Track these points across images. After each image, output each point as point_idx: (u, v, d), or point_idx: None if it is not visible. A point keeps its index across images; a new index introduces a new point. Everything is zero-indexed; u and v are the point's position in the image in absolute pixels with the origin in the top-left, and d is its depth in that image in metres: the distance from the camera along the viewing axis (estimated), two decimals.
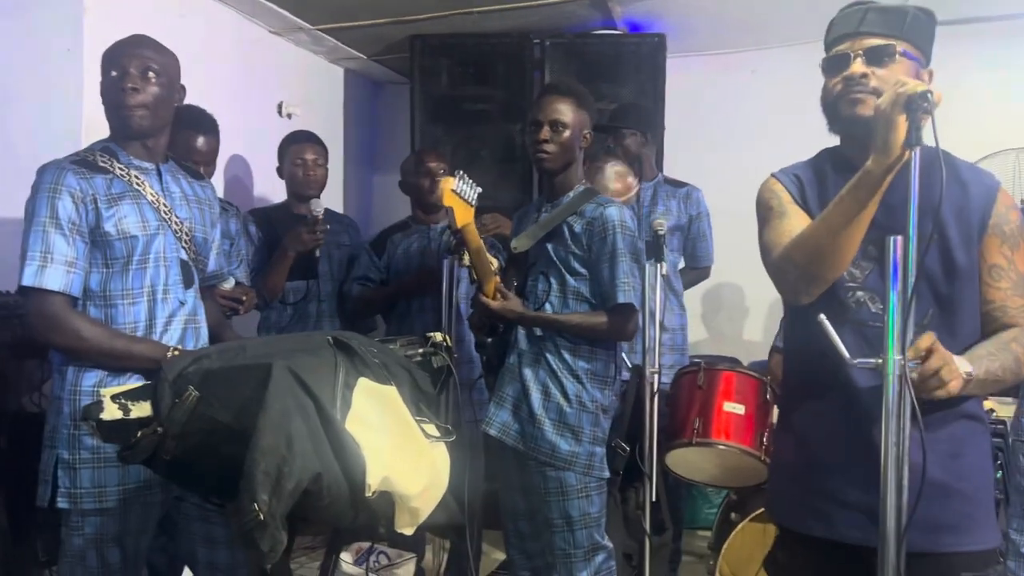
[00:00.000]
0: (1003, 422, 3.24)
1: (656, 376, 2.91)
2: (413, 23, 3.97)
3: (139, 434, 1.52)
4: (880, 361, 1.38)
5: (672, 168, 4.04)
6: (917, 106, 1.39)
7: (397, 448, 1.66)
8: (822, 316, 1.48)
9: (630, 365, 2.99)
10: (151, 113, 2.05)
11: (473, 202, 2.42)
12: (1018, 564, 2.86)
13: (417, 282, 3.22)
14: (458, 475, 1.86)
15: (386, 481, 1.61)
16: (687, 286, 3.74)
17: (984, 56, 4.32)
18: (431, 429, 1.80)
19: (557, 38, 4.10)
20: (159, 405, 1.52)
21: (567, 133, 2.50)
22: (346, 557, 3.02)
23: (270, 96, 4.10)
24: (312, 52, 4.45)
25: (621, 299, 2.43)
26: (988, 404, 3.39)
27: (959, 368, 1.48)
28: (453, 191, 2.32)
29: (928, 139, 1.43)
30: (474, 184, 2.41)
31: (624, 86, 4.10)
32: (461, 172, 2.38)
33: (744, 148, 4.41)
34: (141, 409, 1.53)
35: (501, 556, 3.58)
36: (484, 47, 4.14)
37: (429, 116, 4.16)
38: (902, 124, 1.41)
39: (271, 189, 3.73)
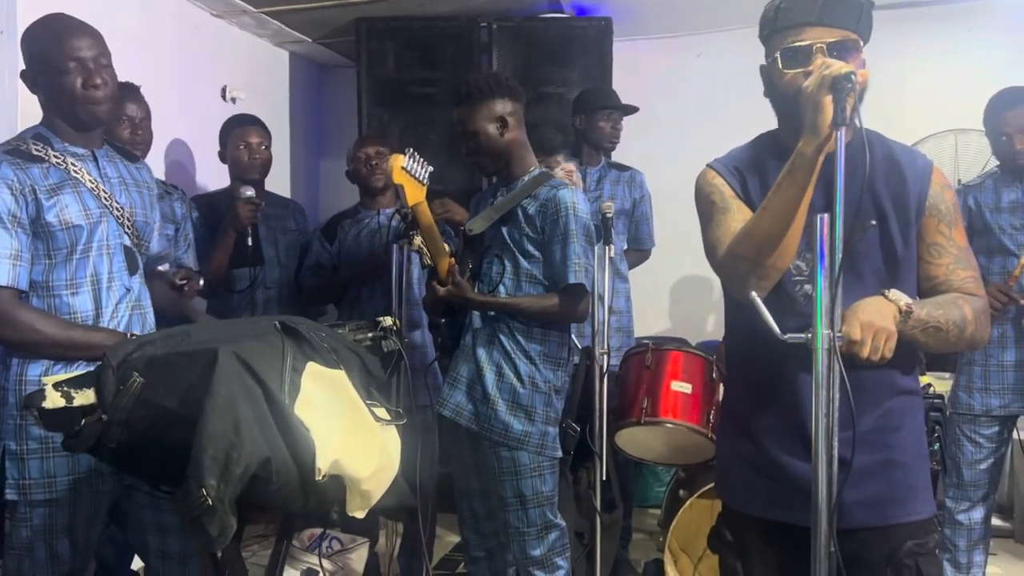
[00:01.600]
0: (941, 396, 3.34)
1: (605, 357, 2.95)
2: (358, 6, 3.94)
3: (83, 422, 1.50)
4: (808, 335, 1.41)
5: (619, 151, 4.06)
6: (842, 87, 1.41)
7: (347, 432, 1.66)
8: (753, 293, 1.51)
9: (580, 347, 3.03)
10: (112, 105, 2.06)
11: (424, 180, 2.41)
12: (954, 531, 2.97)
13: (366, 270, 3.21)
14: (410, 458, 1.87)
15: (336, 465, 1.61)
16: (629, 268, 3.78)
17: (929, 39, 4.43)
18: (382, 412, 1.80)
19: (505, 21, 4.09)
20: (103, 392, 1.50)
21: (479, 137, 2.50)
22: (298, 543, 3.01)
23: (213, 80, 4.03)
24: (256, 35, 4.39)
25: (572, 280, 2.45)
26: (926, 379, 3.50)
27: (901, 299, 1.53)
28: (403, 168, 2.31)
29: (860, 119, 1.45)
30: (424, 163, 2.40)
31: (572, 69, 4.12)
32: (411, 150, 2.37)
33: (690, 131, 4.47)
34: (84, 397, 1.51)
35: (456, 539, 3.60)
36: (431, 30, 4.12)
37: (376, 100, 4.13)
38: (828, 105, 1.43)
39: (216, 175, 3.68)
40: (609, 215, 3.03)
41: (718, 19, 4.42)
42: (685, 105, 4.70)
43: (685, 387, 3.08)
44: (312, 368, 1.65)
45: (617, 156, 3.96)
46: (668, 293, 4.97)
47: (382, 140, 3.47)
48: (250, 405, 1.50)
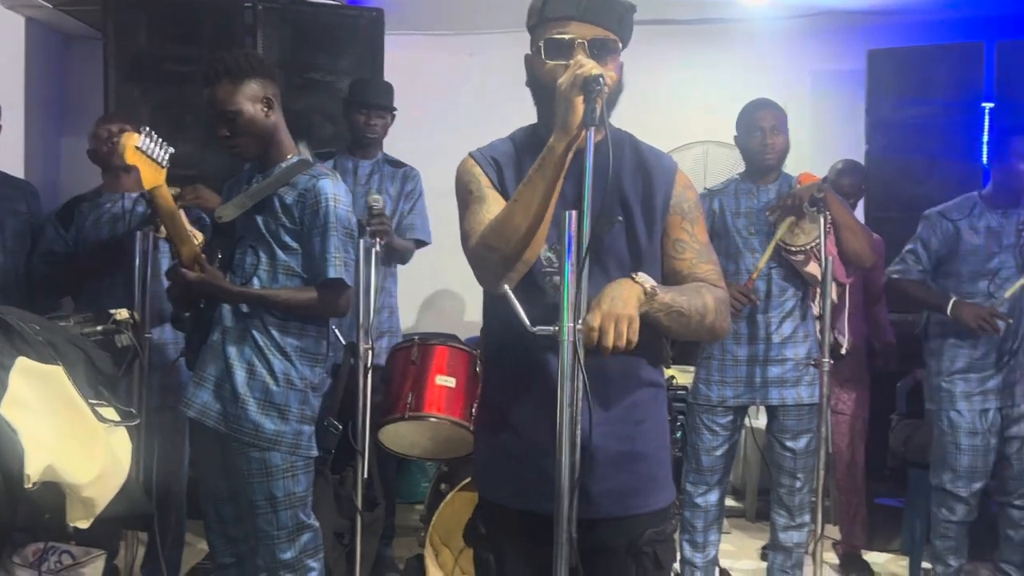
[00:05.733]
0: (685, 388, 3.59)
1: (370, 353, 2.90)
2: None
3: None
4: (556, 327, 1.44)
5: (391, 146, 4.03)
6: (592, 88, 1.45)
7: (64, 434, 1.51)
8: (505, 286, 1.52)
9: (344, 342, 2.95)
10: None
11: (164, 162, 2.24)
12: (692, 513, 3.19)
13: (104, 256, 2.96)
14: (148, 461, 1.73)
15: (50, 470, 1.46)
16: (403, 262, 3.74)
17: (682, 55, 4.76)
18: (109, 413, 1.66)
19: (271, 3, 3.93)
20: None
21: (241, 117, 2.37)
22: (20, 560, 2.71)
23: None
24: None
25: (331, 274, 2.37)
26: (671, 372, 3.75)
27: (647, 281, 1.57)
28: (138, 148, 2.13)
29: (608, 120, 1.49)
30: (164, 143, 2.23)
31: (341, 58, 4.03)
32: (147, 128, 2.19)
33: (464, 129, 4.45)
34: None
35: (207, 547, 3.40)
36: (190, 5, 3.88)
37: (125, 75, 3.81)
38: (579, 105, 1.48)
39: None
40: (378, 208, 2.98)
41: (491, 20, 4.50)
42: (459, 103, 4.75)
43: (449, 381, 3.10)
44: (22, 364, 1.48)
45: (389, 150, 3.91)
46: (442, 290, 5.00)
47: (128, 118, 3.20)
48: None
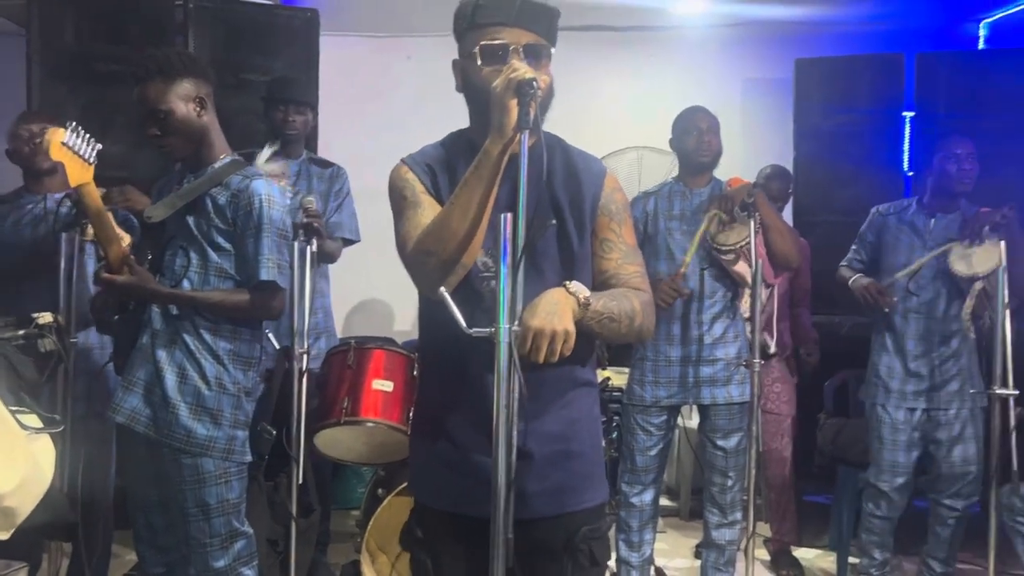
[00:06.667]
0: (620, 389, 3.63)
1: (305, 357, 2.86)
2: None
3: None
4: (493, 329, 1.45)
5: (326, 147, 4.00)
6: (525, 92, 1.48)
7: None
8: (442, 289, 1.53)
9: (277, 346, 2.91)
10: None
11: (91, 159, 2.19)
12: (628, 513, 3.23)
13: (25, 257, 2.86)
14: (73, 469, 1.69)
15: None
16: (331, 261, 3.69)
17: (616, 62, 4.83)
18: (31, 420, 1.61)
19: (202, 2, 3.87)
20: None
21: (173, 116, 2.33)
22: None
23: None
24: None
25: (264, 276, 2.34)
26: (607, 374, 3.80)
27: (581, 292, 1.60)
28: (64, 144, 2.08)
29: (547, 124, 1.52)
30: (91, 139, 2.18)
31: (276, 58, 3.99)
32: (73, 123, 2.14)
33: (399, 131, 4.43)
34: None
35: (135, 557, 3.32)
36: (118, 2, 3.81)
37: (50, 73, 3.70)
38: (514, 108, 1.50)
39: None
40: (312, 209, 2.95)
41: (428, 23, 4.46)
42: (395, 105, 4.74)
43: (386, 385, 3.08)
44: None
45: (324, 152, 3.88)
46: (376, 292, 4.96)
47: (51, 117, 3.10)
48: None
